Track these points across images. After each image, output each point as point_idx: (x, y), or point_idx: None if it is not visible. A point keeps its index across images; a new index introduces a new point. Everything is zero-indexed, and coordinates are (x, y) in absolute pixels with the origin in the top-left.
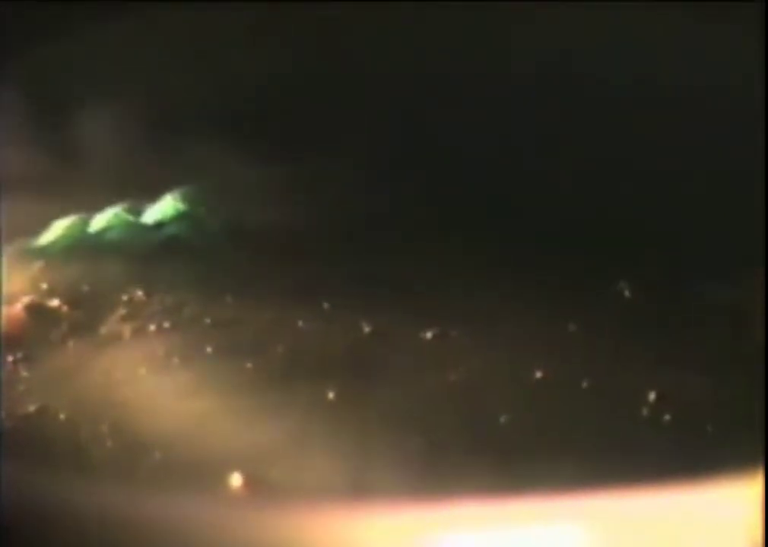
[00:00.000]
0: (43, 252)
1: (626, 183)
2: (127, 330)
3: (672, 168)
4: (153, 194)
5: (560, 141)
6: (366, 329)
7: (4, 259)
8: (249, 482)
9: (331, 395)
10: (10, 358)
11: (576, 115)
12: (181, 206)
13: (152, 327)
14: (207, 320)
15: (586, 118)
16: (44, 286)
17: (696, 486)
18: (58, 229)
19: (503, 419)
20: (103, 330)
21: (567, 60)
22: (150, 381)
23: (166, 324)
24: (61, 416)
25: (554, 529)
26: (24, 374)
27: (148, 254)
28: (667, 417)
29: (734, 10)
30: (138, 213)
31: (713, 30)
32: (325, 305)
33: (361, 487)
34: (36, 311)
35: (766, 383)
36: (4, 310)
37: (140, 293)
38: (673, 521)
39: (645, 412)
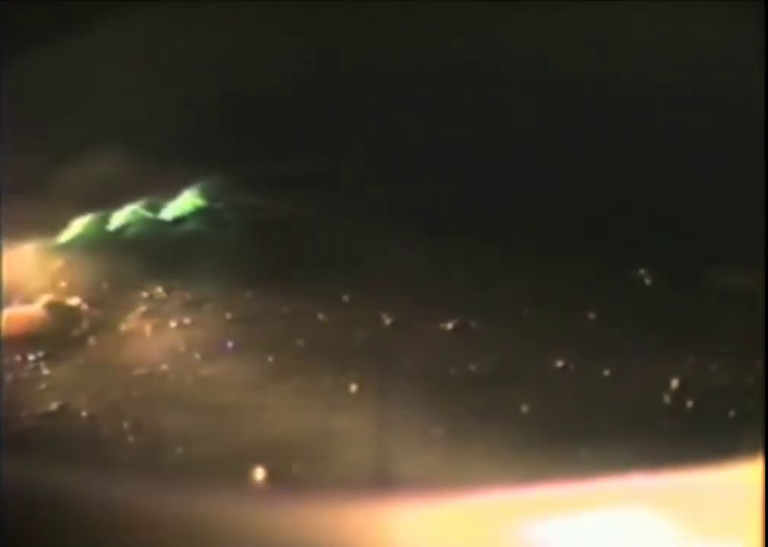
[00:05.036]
0: (62, 250)
1: (643, 171)
2: (147, 326)
3: (689, 156)
4: (171, 190)
5: (575, 131)
6: (387, 321)
7: (24, 258)
8: (271, 475)
9: (353, 387)
10: (31, 357)
11: (590, 106)
12: (199, 202)
13: (173, 324)
14: (228, 316)
15: (600, 110)
16: (63, 284)
17: (719, 473)
18: (76, 227)
19: (524, 409)
20: (124, 327)
21: (575, 57)
22: (172, 377)
23: (187, 320)
24: (83, 414)
25: (576, 516)
26: (45, 372)
27: (167, 250)
28: (690, 404)
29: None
30: (156, 209)
31: (714, 28)
32: (345, 298)
33: (385, 479)
34: (55, 309)
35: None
36: (25, 309)
37: (160, 290)
38: (696, 509)
39: (667, 399)
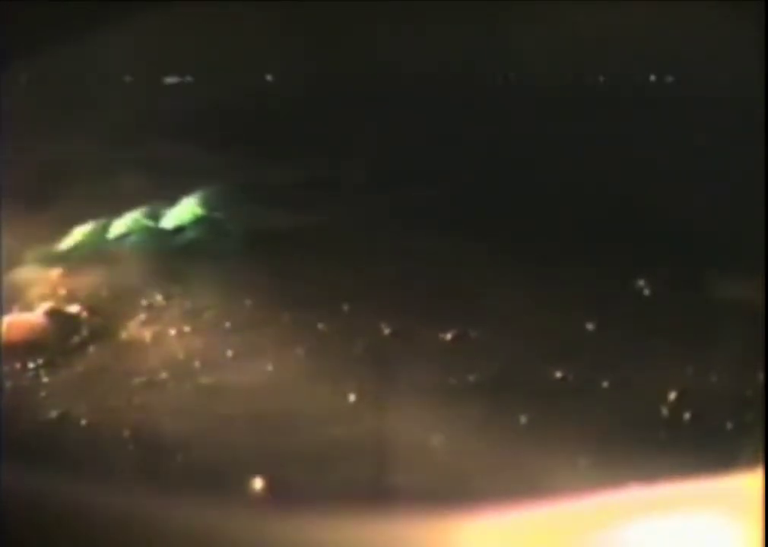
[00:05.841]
0: (63, 258)
1: (644, 180)
2: (147, 334)
3: (689, 164)
4: (171, 198)
5: (575, 131)
6: (386, 330)
7: (25, 265)
8: (270, 485)
9: (352, 397)
10: (30, 365)
11: (590, 106)
12: (199, 210)
13: (172, 332)
14: (228, 324)
15: (600, 110)
16: (64, 292)
17: (718, 484)
18: (77, 235)
19: (523, 419)
20: (124, 335)
21: (576, 57)
22: (171, 385)
23: (187, 329)
24: (83, 421)
25: (575, 528)
26: (45, 380)
27: (168, 258)
28: (687, 416)
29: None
30: (156, 218)
31: (714, 28)
32: (345, 307)
33: (383, 488)
34: (56, 316)
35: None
36: (26, 316)
37: (159, 298)
38: (695, 520)
39: (666, 410)
